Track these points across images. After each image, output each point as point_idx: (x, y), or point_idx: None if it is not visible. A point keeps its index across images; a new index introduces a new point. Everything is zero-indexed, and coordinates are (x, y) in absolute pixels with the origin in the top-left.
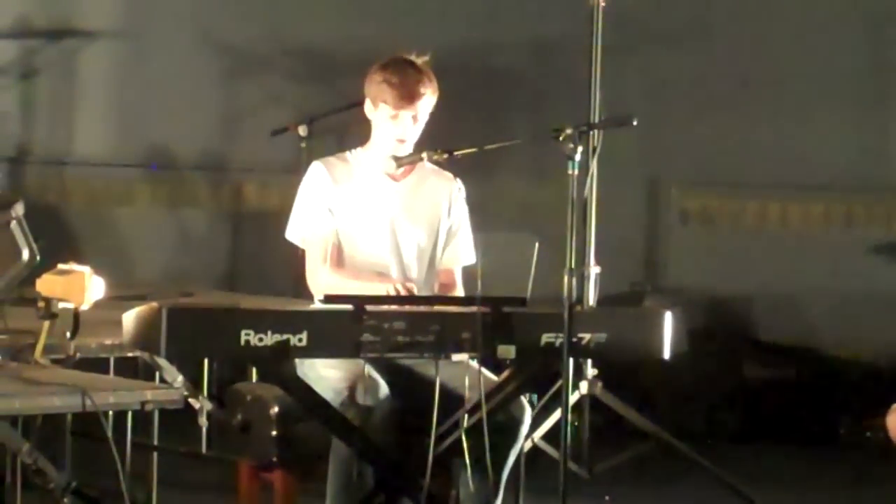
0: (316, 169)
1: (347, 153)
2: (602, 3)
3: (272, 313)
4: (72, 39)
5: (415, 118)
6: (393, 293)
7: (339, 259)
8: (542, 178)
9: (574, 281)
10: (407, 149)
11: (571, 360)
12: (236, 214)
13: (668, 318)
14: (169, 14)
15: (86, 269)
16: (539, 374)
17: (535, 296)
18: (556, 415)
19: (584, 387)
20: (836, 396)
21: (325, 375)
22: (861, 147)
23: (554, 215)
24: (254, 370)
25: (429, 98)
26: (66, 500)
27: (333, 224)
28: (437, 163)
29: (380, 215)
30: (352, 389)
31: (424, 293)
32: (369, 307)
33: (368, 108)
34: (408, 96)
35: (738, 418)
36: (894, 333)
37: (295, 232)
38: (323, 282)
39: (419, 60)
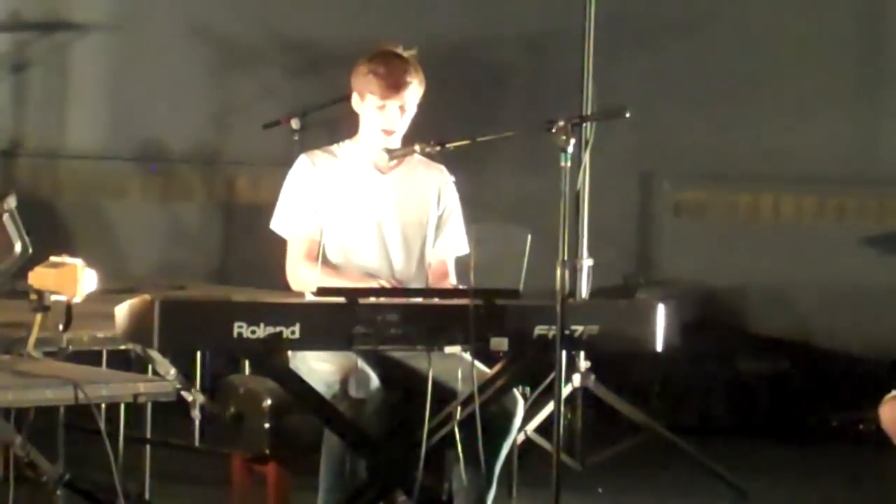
0: (302, 163)
1: (335, 146)
2: None
3: (265, 306)
4: (64, 32)
5: (402, 108)
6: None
7: (321, 257)
8: (535, 171)
9: (567, 273)
10: (395, 140)
11: (564, 353)
12: (229, 207)
13: (661, 311)
14: (161, 7)
15: (78, 262)
16: (532, 366)
17: (527, 288)
18: (549, 407)
19: (576, 379)
20: (828, 388)
21: (317, 368)
22: (853, 140)
23: (547, 207)
24: (246, 363)
25: (415, 88)
26: (58, 492)
27: (317, 222)
28: (429, 155)
29: (366, 209)
30: (344, 382)
31: (415, 287)
32: (362, 300)
33: (356, 101)
34: (394, 86)
35: (731, 410)
36: (886, 326)
37: (279, 224)
38: (301, 278)
39: (406, 53)
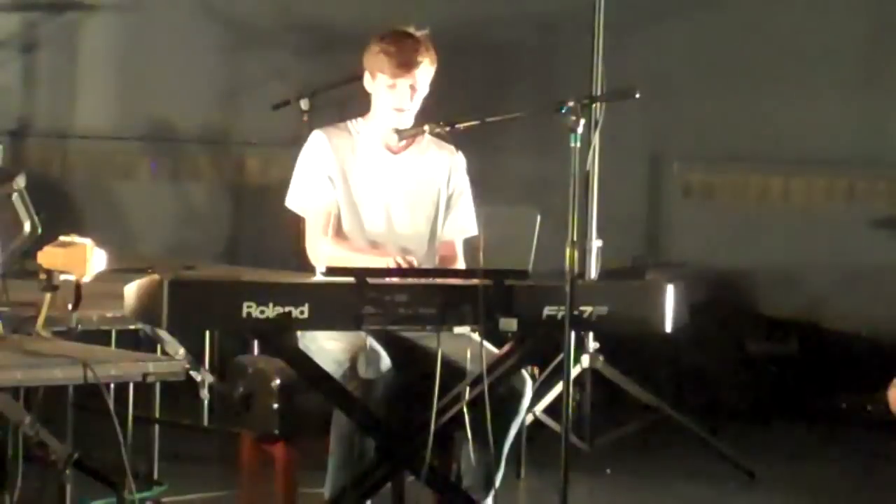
0: (317, 137)
1: (348, 123)
2: None
3: (274, 286)
4: (73, 12)
5: (413, 87)
6: (393, 266)
7: (339, 230)
8: (545, 152)
9: (576, 254)
10: (406, 119)
11: (573, 333)
12: (238, 188)
13: (670, 292)
14: None
15: (87, 242)
16: (541, 346)
17: (536, 269)
18: (558, 388)
19: (585, 360)
20: (837, 370)
21: (327, 347)
22: (863, 122)
23: (556, 188)
24: (255, 343)
25: (426, 67)
26: (67, 472)
27: (334, 194)
28: (438, 135)
29: (377, 189)
30: (353, 362)
31: (425, 267)
32: (371, 279)
33: (367, 80)
34: (405, 64)
35: (740, 392)
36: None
37: (295, 200)
38: (323, 253)
39: (418, 32)
